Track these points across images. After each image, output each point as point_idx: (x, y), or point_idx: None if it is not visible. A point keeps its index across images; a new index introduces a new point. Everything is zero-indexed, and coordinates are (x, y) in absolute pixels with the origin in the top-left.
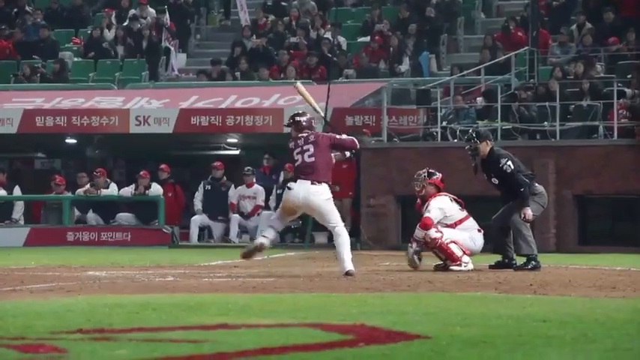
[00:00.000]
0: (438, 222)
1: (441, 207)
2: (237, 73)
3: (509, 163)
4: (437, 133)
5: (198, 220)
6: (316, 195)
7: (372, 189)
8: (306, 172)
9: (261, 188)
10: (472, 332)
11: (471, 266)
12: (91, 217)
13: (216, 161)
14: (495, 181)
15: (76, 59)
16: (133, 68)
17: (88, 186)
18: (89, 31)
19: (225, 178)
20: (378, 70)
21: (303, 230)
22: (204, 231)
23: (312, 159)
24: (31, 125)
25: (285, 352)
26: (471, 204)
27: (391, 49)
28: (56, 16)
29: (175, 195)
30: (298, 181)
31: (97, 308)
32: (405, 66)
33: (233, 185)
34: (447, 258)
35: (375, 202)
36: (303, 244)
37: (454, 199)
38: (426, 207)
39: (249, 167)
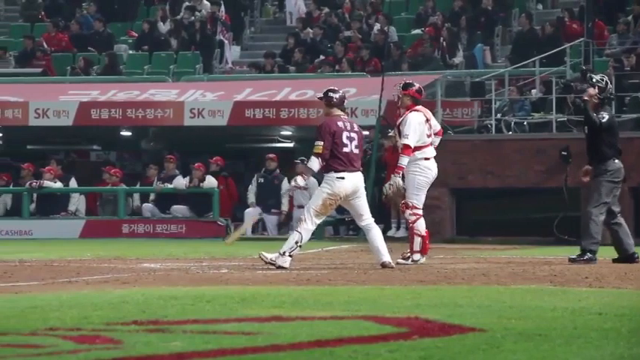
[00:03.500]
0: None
1: (420, 122)
2: (292, 68)
3: (606, 119)
4: (491, 125)
5: (252, 212)
6: (363, 187)
7: None
8: (356, 163)
9: (314, 179)
10: (527, 325)
11: (421, 261)
12: (147, 208)
13: (269, 154)
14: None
15: (131, 52)
16: (188, 61)
17: (156, 180)
18: (143, 24)
19: (278, 170)
20: (432, 62)
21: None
22: (258, 223)
23: (358, 150)
24: (87, 117)
25: (339, 344)
26: (526, 196)
27: (443, 40)
28: (110, 9)
29: (227, 188)
30: (350, 173)
31: (151, 300)
32: (458, 58)
33: (286, 178)
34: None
35: (429, 194)
36: (356, 236)
37: (427, 120)
38: (402, 121)
39: (302, 157)
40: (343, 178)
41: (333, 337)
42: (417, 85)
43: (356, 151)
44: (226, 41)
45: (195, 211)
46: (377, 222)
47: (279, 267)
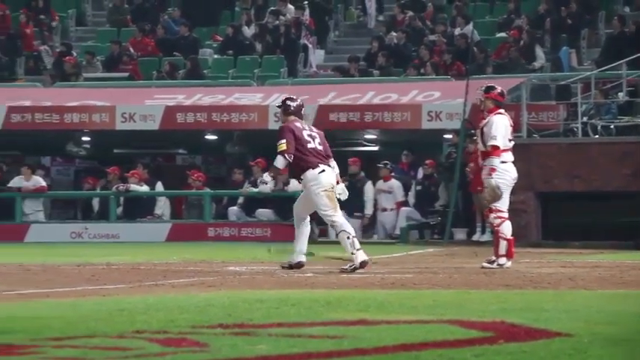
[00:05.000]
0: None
1: (506, 124)
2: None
3: None
4: (577, 128)
5: None
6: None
7: None
8: (325, 158)
9: (398, 183)
10: (615, 330)
11: (507, 265)
12: (233, 212)
13: (351, 157)
14: None
15: (216, 56)
16: (272, 65)
17: (246, 183)
18: (228, 28)
19: (362, 173)
20: (517, 65)
21: (443, 226)
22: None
23: (322, 148)
24: (173, 122)
25: (424, 348)
26: (613, 199)
27: (523, 44)
28: (195, 13)
29: None
30: (324, 165)
31: (237, 303)
32: (539, 62)
33: (370, 181)
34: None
35: (515, 198)
36: (442, 240)
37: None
38: (487, 123)
39: (386, 161)
40: (324, 170)
41: (418, 341)
42: (499, 88)
43: (320, 147)
44: (310, 45)
45: (281, 214)
46: (462, 226)
47: (362, 263)
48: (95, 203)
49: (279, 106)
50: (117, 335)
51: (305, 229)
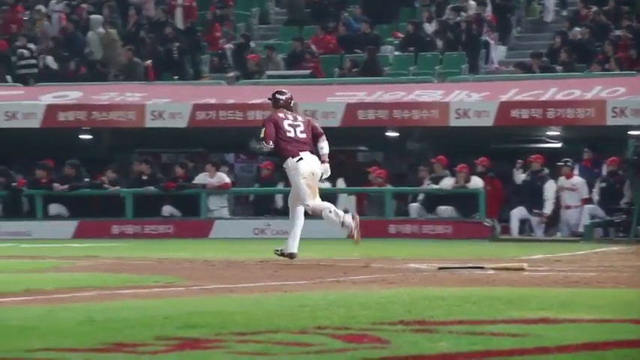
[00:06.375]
0: None
1: None
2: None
3: None
4: None
5: (517, 213)
6: (319, 170)
7: None
8: (305, 146)
9: (581, 180)
10: None
11: None
12: (414, 208)
13: (534, 154)
14: None
15: (396, 53)
16: (453, 61)
17: (427, 180)
18: (408, 25)
19: (546, 170)
20: None
21: (628, 224)
22: (525, 224)
23: (305, 136)
24: (354, 119)
25: (608, 347)
26: None
27: None
28: (375, 10)
29: (494, 188)
30: (302, 152)
31: (418, 300)
32: None
33: (551, 180)
34: None
35: None
36: (627, 238)
37: None
38: None
39: (568, 159)
40: (301, 158)
41: (602, 340)
42: None
43: (302, 135)
44: (492, 41)
45: (462, 211)
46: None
47: (350, 220)
48: (278, 200)
49: (269, 99)
50: (299, 331)
51: (300, 222)
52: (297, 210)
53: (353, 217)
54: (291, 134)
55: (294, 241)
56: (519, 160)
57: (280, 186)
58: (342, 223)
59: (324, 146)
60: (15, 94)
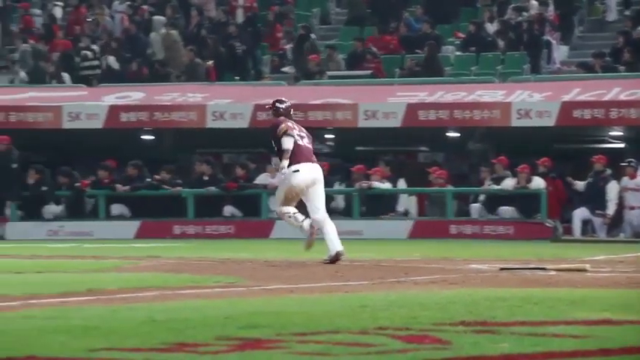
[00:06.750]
0: None
1: None
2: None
3: None
4: None
5: (580, 213)
6: (321, 180)
7: None
8: (311, 157)
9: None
10: None
11: None
12: (475, 209)
13: (597, 155)
14: None
15: (457, 53)
16: (515, 61)
17: (487, 180)
18: (470, 25)
19: (608, 171)
20: None
21: None
22: (588, 225)
23: (311, 146)
24: (415, 119)
25: None
26: None
27: None
28: (437, 10)
29: (555, 189)
30: (305, 163)
31: (479, 301)
32: None
33: (614, 180)
34: None
35: None
36: None
37: None
38: None
39: (631, 159)
40: (298, 170)
41: None
42: None
43: (309, 146)
44: (554, 41)
45: (523, 212)
46: None
47: (311, 226)
48: (339, 200)
49: (269, 108)
50: (360, 331)
51: (329, 228)
52: (322, 219)
53: (311, 226)
54: (302, 143)
55: (333, 243)
56: (569, 178)
57: (337, 186)
58: (301, 227)
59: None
60: (78, 94)
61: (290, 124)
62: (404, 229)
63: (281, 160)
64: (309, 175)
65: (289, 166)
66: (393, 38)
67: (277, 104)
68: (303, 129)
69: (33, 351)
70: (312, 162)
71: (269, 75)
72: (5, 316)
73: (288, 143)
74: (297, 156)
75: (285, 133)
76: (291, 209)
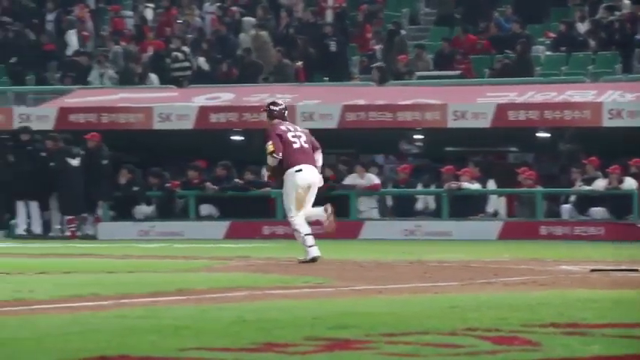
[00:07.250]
0: None
1: None
2: None
3: None
4: None
5: None
6: (317, 183)
7: None
8: (309, 158)
9: None
10: None
11: None
12: (565, 210)
13: None
14: None
15: (548, 53)
16: (606, 61)
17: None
18: (560, 25)
19: None
20: None
21: None
22: None
23: (308, 146)
24: (504, 119)
25: None
26: None
27: None
28: (527, 10)
29: None
30: (305, 164)
31: (569, 302)
32: None
33: None
34: None
35: None
36: None
37: None
38: None
39: None
40: (301, 170)
41: None
42: None
43: (306, 145)
44: None
45: (615, 213)
46: None
47: (314, 258)
48: (430, 200)
49: (263, 110)
50: (449, 332)
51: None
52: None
53: (324, 210)
54: (297, 145)
55: (309, 247)
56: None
57: (419, 187)
58: (305, 250)
59: (319, 159)
60: (169, 95)
61: (284, 127)
62: (493, 229)
63: (267, 171)
64: (310, 176)
65: (288, 168)
66: (482, 39)
67: (271, 106)
68: (298, 128)
69: (125, 350)
70: (310, 164)
71: (358, 75)
72: (98, 316)
73: (270, 161)
74: (296, 158)
75: (271, 154)
76: (306, 229)
